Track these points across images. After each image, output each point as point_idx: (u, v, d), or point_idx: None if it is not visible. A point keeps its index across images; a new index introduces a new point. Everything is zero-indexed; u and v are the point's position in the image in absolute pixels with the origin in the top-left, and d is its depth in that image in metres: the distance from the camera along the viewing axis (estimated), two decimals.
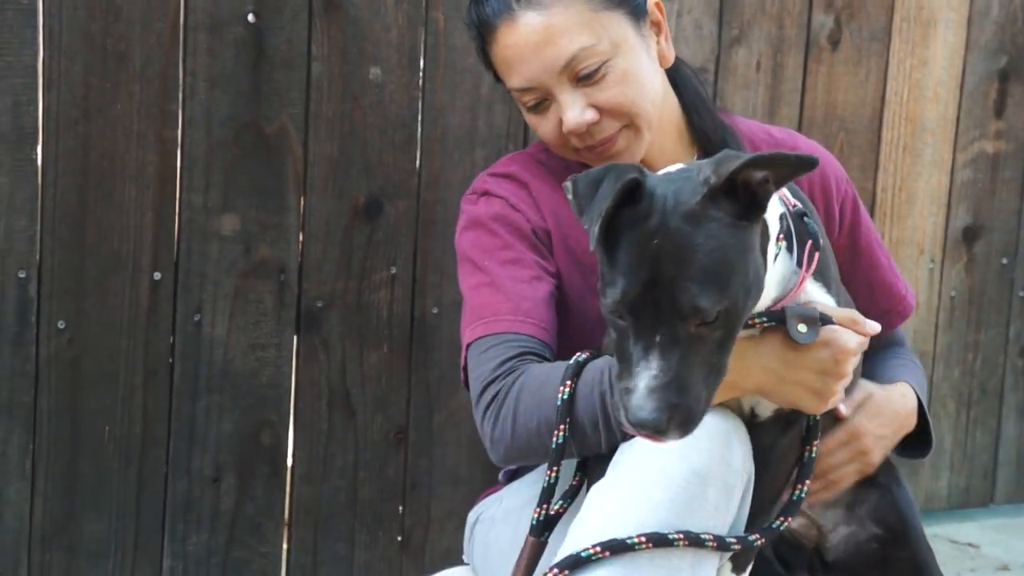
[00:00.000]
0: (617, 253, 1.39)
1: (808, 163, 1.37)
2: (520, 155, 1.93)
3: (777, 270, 1.51)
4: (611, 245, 1.39)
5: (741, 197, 1.37)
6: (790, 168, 1.38)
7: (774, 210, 1.50)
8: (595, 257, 1.73)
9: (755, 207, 1.38)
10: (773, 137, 1.95)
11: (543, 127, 1.80)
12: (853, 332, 1.56)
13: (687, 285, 1.34)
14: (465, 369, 1.74)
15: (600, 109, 1.73)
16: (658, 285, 1.35)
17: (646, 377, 1.34)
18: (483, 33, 1.79)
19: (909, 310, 1.99)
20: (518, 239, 1.78)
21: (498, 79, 1.85)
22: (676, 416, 1.33)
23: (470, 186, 1.90)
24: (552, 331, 1.72)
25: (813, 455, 1.60)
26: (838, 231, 1.91)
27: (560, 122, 1.76)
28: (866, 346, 1.60)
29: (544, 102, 1.77)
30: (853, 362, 1.57)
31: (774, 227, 1.49)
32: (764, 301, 1.51)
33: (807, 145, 1.96)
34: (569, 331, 1.78)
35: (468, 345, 1.73)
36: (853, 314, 1.59)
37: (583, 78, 1.73)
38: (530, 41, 1.73)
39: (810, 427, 1.61)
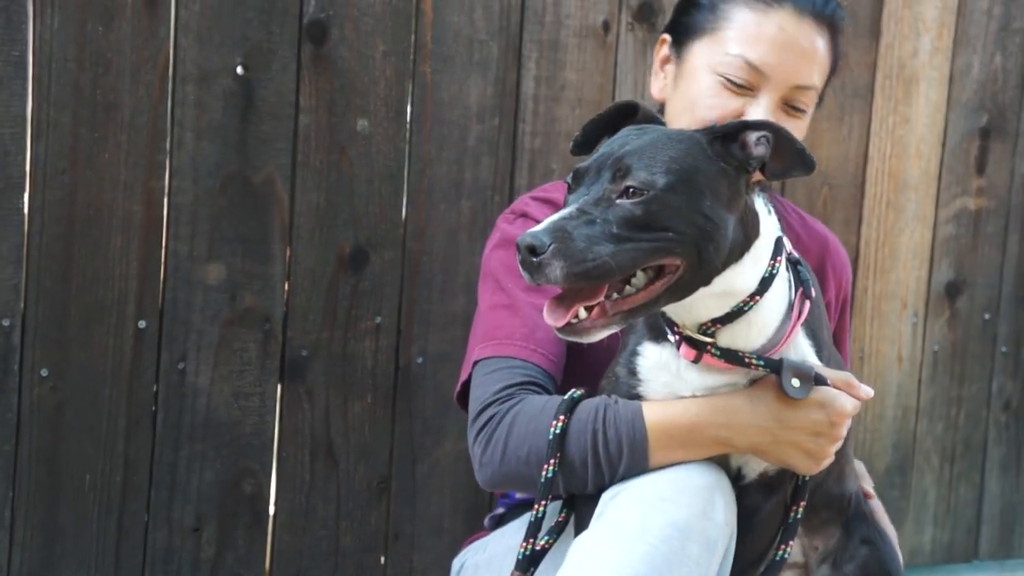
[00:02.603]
0: (600, 145, 1.51)
1: (810, 162, 1.49)
2: (564, 183, 1.95)
3: (776, 297, 1.54)
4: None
5: (736, 153, 1.48)
6: (792, 148, 1.48)
7: (769, 221, 1.55)
8: None
9: (744, 163, 1.48)
10: (803, 217, 2.04)
11: (719, 100, 1.80)
12: (848, 395, 1.57)
13: (633, 158, 1.44)
14: (466, 384, 1.75)
15: None
16: (611, 159, 1.45)
17: (554, 215, 1.41)
18: None
19: None
20: None
21: (689, 13, 1.87)
22: (562, 246, 1.36)
23: (510, 206, 1.92)
24: (559, 365, 1.74)
25: (799, 516, 1.61)
26: (834, 325, 1.98)
27: (737, 112, 1.79)
28: (859, 409, 1.61)
29: (744, 89, 1.79)
30: (848, 424, 1.59)
31: (768, 236, 1.53)
32: (759, 339, 1.53)
33: (834, 241, 2.05)
34: (581, 369, 1.79)
35: (475, 362, 1.74)
36: (848, 377, 1.60)
37: (791, 106, 1.81)
38: (801, 45, 1.80)
39: (798, 487, 1.61)
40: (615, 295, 1.43)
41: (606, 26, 2.42)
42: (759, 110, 1.78)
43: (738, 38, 1.80)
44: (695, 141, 1.48)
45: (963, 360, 2.94)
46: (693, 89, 1.83)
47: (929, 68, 2.78)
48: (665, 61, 1.93)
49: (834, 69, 1.91)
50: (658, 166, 1.43)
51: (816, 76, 1.82)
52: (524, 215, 1.86)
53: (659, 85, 1.93)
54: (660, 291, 1.44)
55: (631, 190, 1.41)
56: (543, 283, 1.37)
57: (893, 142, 2.77)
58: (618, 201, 1.41)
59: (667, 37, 1.93)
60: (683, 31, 1.88)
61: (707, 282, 1.47)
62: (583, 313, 1.42)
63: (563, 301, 1.43)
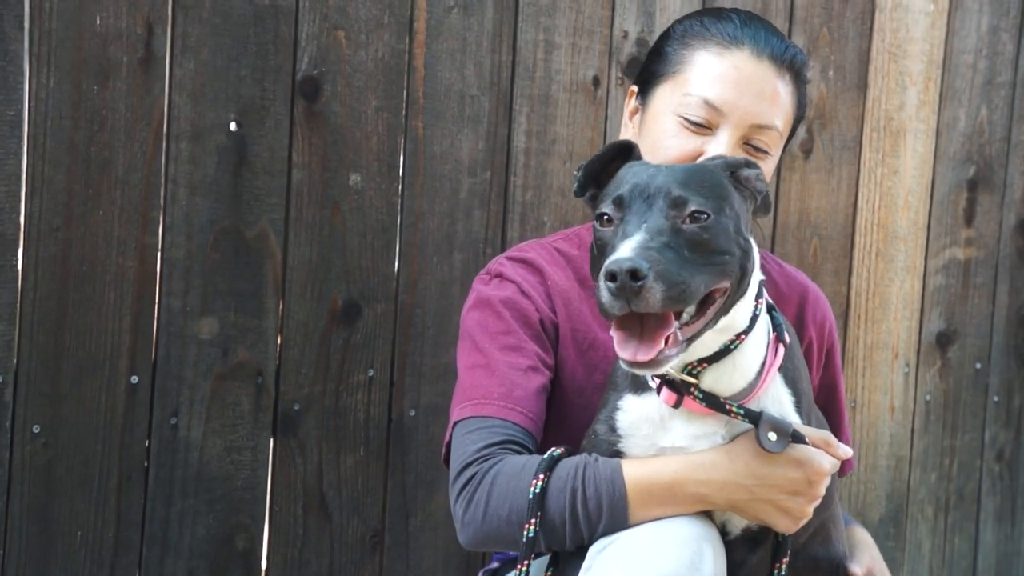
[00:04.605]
0: (617, 181, 1.54)
1: (770, 204, 1.63)
2: (539, 242, 1.97)
3: (758, 339, 1.57)
4: (611, 188, 1.54)
5: (745, 185, 1.57)
6: (766, 188, 1.59)
7: (758, 258, 1.60)
8: (599, 354, 1.81)
9: (753, 194, 1.58)
10: (781, 266, 2.04)
11: (677, 141, 1.82)
12: (826, 454, 1.58)
13: (682, 187, 1.46)
14: (448, 446, 1.75)
15: None
16: (652, 188, 1.47)
17: (629, 241, 1.41)
18: (719, 43, 1.83)
19: (850, 468, 2.07)
20: (522, 326, 1.80)
21: (653, 64, 1.91)
22: (659, 270, 1.36)
23: (485, 267, 1.93)
24: (539, 423, 1.74)
25: (782, 573, 1.61)
26: (820, 373, 1.97)
27: (697, 152, 1.81)
28: (837, 468, 1.62)
29: (703, 128, 1.81)
30: (826, 483, 1.59)
31: (758, 272, 1.58)
32: (741, 382, 1.55)
33: (814, 290, 2.05)
34: (566, 424, 1.79)
35: (455, 423, 1.74)
36: (827, 435, 1.61)
37: (750, 145, 1.82)
38: (759, 85, 1.81)
39: (779, 544, 1.61)
40: (676, 322, 1.44)
41: (596, 81, 2.45)
42: (719, 147, 1.80)
43: (696, 79, 1.82)
44: (719, 170, 1.54)
45: (955, 410, 2.95)
46: (655, 131, 1.85)
47: (916, 121, 2.81)
48: (633, 112, 1.96)
49: (800, 116, 1.92)
50: (707, 192, 1.47)
51: (777, 118, 1.83)
52: (500, 276, 1.87)
53: (628, 135, 1.95)
54: (712, 315, 1.48)
55: (695, 214, 1.44)
56: (642, 309, 1.37)
57: (881, 193, 2.79)
58: (684, 226, 1.43)
59: (634, 89, 1.96)
60: (647, 79, 1.92)
61: (728, 311, 1.49)
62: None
63: (631, 334, 1.43)
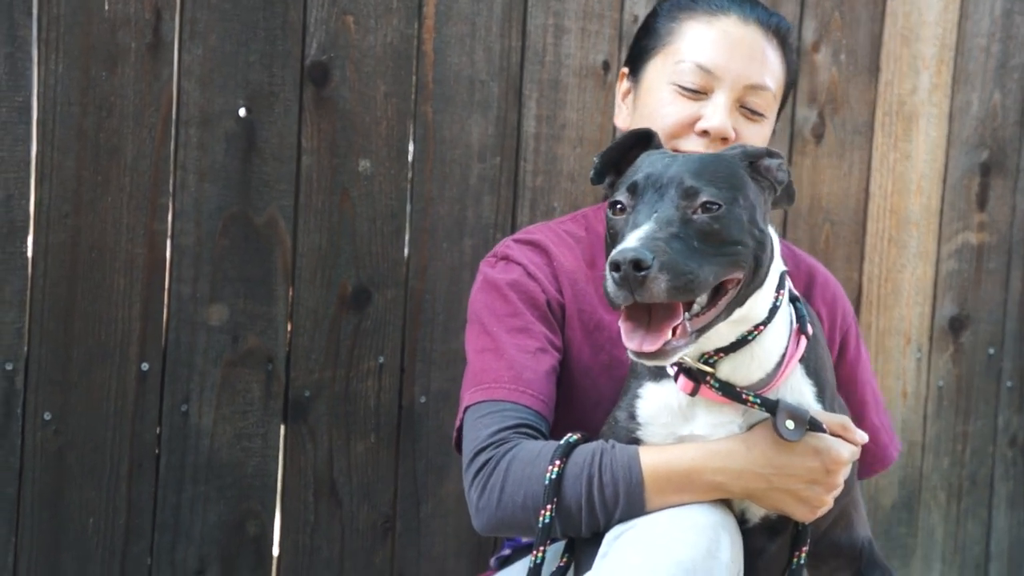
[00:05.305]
0: (633, 169, 1.53)
1: (794, 193, 1.62)
2: (546, 224, 1.97)
3: (779, 330, 1.55)
4: (627, 177, 1.53)
5: (764, 175, 1.56)
6: (788, 178, 1.58)
7: (778, 250, 1.59)
8: (605, 335, 1.80)
9: (773, 185, 1.57)
10: (792, 250, 2.02)
11: (674, 108, 1.84)
12: (845, 441, 1.57)
13: (694, 177, 1.46)
14: (460, 430, 1.74)
15: (734, 137, 1.83)
16: (665, 178, 1.46)
17: (637, 232, 1.40)
18: (706, 11, 1.87)
19: (888, 461, 2.02)
20: (529, 308, 1.80)
21: (643, 41, 1.93)
22: (664, 260, 1.36)
23: (492, 249, 1.92)
24: (550, 405, 1.73)
25: (802, 562, 1.60)
26: (835, 360, 1.95)
27: (694, 117, 1.82)
28: (858, 455, 1.60)
29: (698, 94, 1.83)
30: (845, 472, 1.58)
31: (778, 263, 1.57)
32: (759, 372, 1.54)
33: (823, 272, 2.03)
34: (572, 405, 1.79)
35: (466, 408, 1.74)
36: (843, 420, 1.59)
37: (746, 108, 1.84)
38: (747, 46, 1.84)
39: (799, 532, 1.60)
40: (686, 314, 1.43)
41: (606, 66, 2.43)
42: (715, 109, 1.81)
43: (687, 47, 1.85)
44: (736, 160, 1.53)
45: (968, 395, 2.94)
46: (651, 104, 1.87)
47: (928, 105, 2.79)
48: (626, 93, 1.97)
49: (790, 84, 1.94)
50: (721, 182, 1.46)
51: (768, 78, 1.85)
52: (506, 258, 1.86)
53: (623, 116, 1.97)
54: (724, 306, 1.47)
55: (707, 205, 1.43)
56: (646, 299, 1.36)
57: (894, 178, 2.77)
58: (694, 216, 1.43)
59: (625, 70, 1.97)
60: (638, 56, 1.93)
61: (743, 302, 1.48)
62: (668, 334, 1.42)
63: (638, 324, 1.42)
